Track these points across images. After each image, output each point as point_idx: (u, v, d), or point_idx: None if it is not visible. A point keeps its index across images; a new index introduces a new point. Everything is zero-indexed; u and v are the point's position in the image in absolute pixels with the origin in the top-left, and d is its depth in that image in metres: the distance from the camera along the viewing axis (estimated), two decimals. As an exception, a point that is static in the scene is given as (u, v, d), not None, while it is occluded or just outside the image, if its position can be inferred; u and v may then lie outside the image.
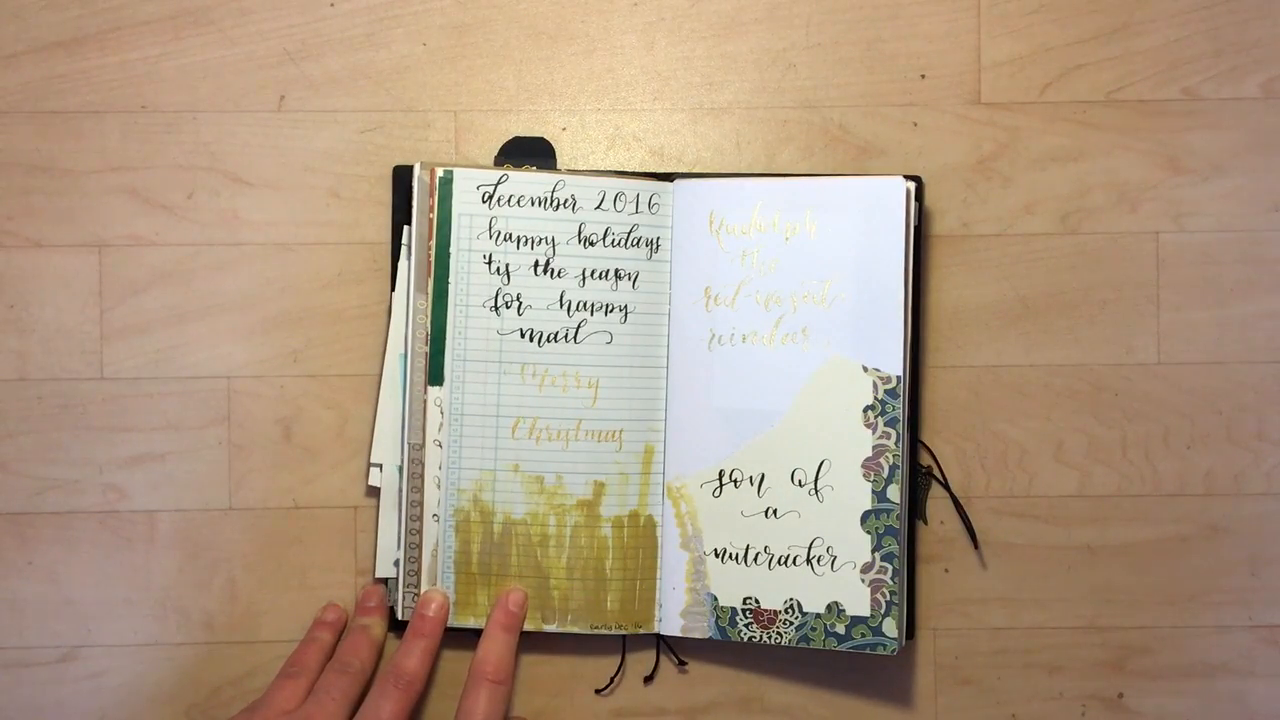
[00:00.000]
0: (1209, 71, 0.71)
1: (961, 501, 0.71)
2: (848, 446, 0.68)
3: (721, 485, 0.69)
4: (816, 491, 0.68)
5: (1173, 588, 0.71)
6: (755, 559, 0.68)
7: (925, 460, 0.71)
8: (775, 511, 0.68)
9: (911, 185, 0.68)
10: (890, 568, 0.67)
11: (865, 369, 0.67)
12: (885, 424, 0.67)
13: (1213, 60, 0.71)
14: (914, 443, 0.70)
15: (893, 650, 0.67)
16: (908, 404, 0.68)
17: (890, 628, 0.67)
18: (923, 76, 0.71)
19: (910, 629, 0.69)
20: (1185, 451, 0.71)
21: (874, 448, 0.67)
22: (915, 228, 0.68)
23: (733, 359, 0.69)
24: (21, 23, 0.70)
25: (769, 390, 0.69)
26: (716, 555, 0.69)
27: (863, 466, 0.67)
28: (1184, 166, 0.71)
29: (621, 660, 0.71)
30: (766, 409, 0.69)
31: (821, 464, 0.68)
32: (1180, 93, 0.71)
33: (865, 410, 0.67)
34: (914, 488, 0.70)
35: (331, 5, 0.71)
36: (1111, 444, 0.71)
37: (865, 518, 0.67)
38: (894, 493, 0.67)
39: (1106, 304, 0.71)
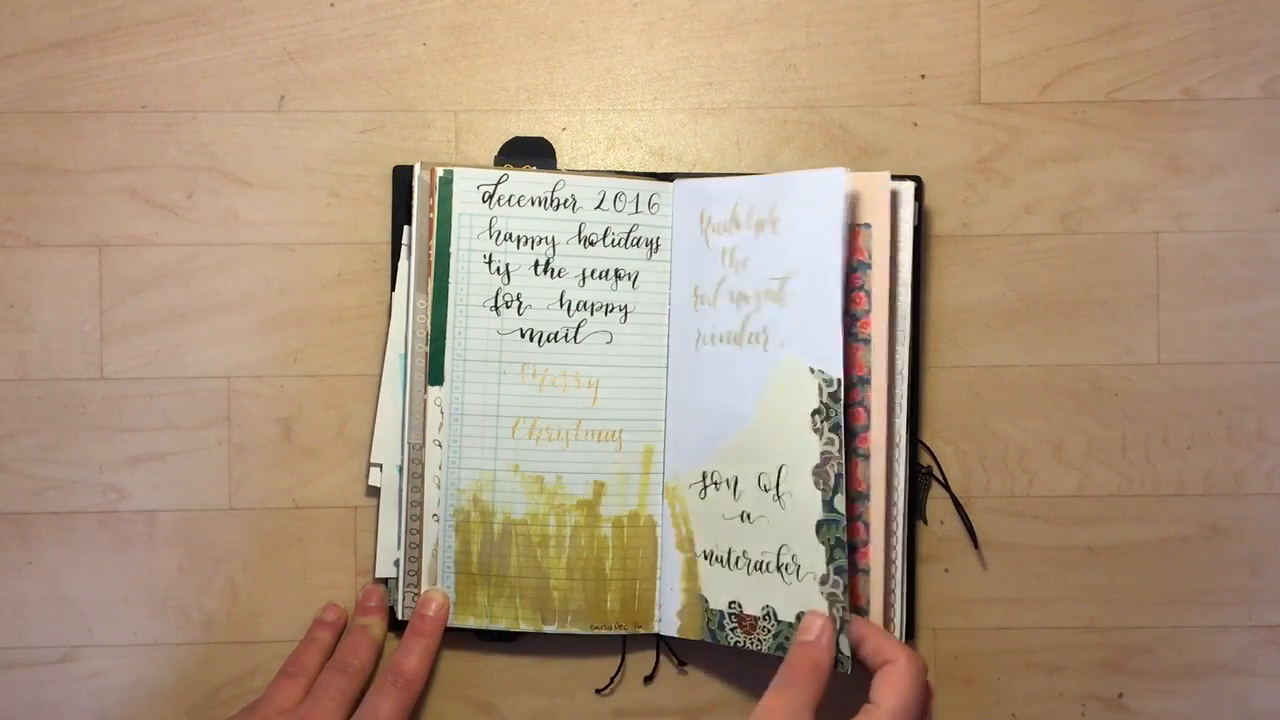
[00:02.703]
0: (1209, 71, 0.71)
1: (961, 501, 0.71)
2: (801, 452, 0.64)
3: (705, 487, 0.68)
4: (779, 498, 0.65)
5: (1173, 588, 0.71)
6: (736, 562, 0.67)
7: (925, 460, 0.71)
8: (749, 516, 0.67)
9: (900, 183, 0.66)
10: (842, 582, 0.64)
11: (812, 370, 0.64)
12: (830, 430, 0.64)
13: (1213, 60, 0.71)
14: (914, 443, 0.69)
15: (844, 669, 0.63)
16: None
17: (843, 644, 0.63)
18: (923, 76, 0.71)
19: (910, 629, 0.69)
20: (1185, 451, 0.71)
21: (821, 455, 0.64)
22: (915, 228, 0.68)
23: (713, 359, 0.68)
24: (21, 23, 0.70)
25: (738, 391, 0.67)
26: (705, 557, 0.68)
27: (813, 474, 0.64)
28: (1184, 166, 0.71)
29: (621, 660, 0.71)
30: (737, 410, 0.67)
31: (781, 469, 0.65)
32: (1180, 93, 0.71)
33: (813, 415, 0.64)
34: (914, 488, 0.70)
35: (331, 5, 0.71)
36: (1111, 444, 0.71)
37: (819, 527, 0.64)
38: (840, 503, 0.64)
39: (1106, 304, 0.71)
